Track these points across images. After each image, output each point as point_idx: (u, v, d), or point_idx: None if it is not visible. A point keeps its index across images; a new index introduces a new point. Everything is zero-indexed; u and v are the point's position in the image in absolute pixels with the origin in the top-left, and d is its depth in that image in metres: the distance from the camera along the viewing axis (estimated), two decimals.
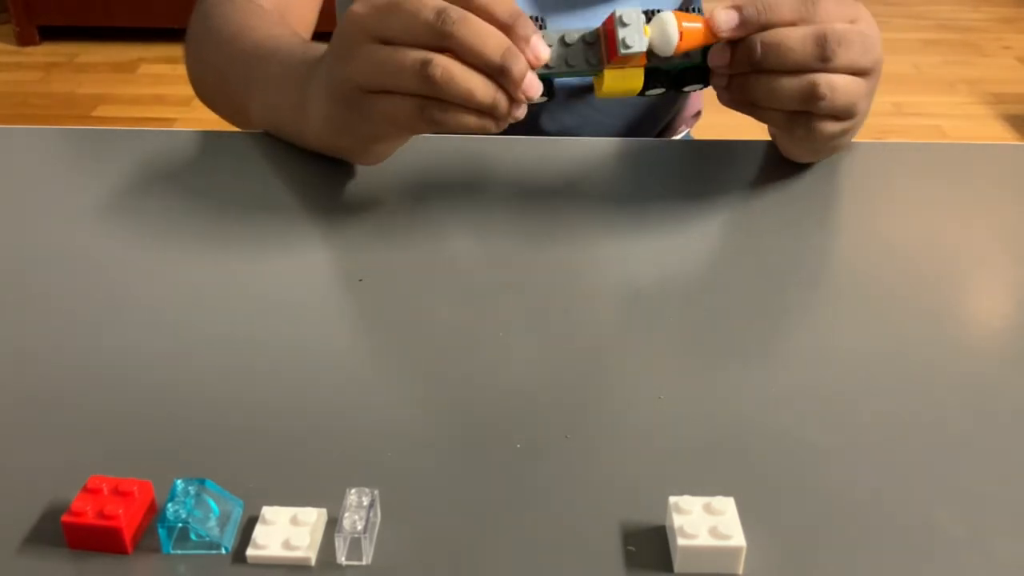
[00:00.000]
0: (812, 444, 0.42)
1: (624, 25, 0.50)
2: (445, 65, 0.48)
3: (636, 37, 0.50)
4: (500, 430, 0.42)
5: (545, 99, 0.53)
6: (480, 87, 0.49)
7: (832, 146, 0.60)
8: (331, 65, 0.54)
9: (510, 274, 0.54)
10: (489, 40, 0.48)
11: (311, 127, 0.59)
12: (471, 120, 0.50)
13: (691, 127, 1.01)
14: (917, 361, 0.48)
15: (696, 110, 1.01)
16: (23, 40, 2.98)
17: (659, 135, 0.95)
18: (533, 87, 0.49)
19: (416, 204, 0.60)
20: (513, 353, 0.47)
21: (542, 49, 0.50)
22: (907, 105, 2.74)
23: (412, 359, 0.47)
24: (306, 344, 0.48)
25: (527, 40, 0.49)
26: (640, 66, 0.54)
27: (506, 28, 0.49)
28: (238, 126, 0.71)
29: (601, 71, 0.53)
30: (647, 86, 0.55)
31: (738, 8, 0.52)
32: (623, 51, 0.51)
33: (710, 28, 0.52)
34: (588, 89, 0.82)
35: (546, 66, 0.51)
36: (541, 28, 0.52)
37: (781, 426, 0.43)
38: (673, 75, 0.56)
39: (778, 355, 0.48)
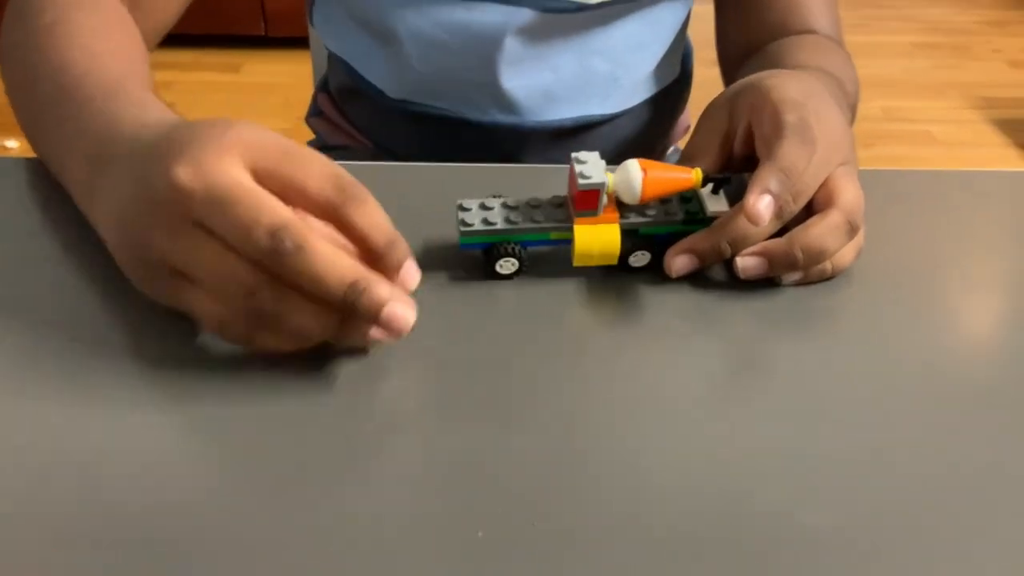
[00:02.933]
0: (813, 530, 0.38)
1: (581, 162, 0.50)
2: (274, 296, 0.40)
3: (594, 170, 0.49)
4: (459, 516, 0.38)
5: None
6: (314, 321, 0.41)
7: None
8: (140, 226, 0.43)
9: (475, 323, 0.49)
10: (331, 273, 0.40)
11: (102, 223, 0.47)
12: (292, 346, 0.43)
13: (680, 140, 0.97)
14: (922, 430, 0.43)
15: (686, 126, 0.97)
16: None
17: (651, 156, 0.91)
18: (395, 318, 0.41)
19: None
20: (477, 415, 0.43)
21: (414, 277, 0.43)
22: (896, 110, 2.71)
23: (361, 434, 0.43)
24: (243, 391, 0.43)
25: (397, 267, 0.43)
26: (613, 221, 0.51)
27: (376, 252, 0.42)
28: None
29: (570, 227, 0.51)
30: (627, 249, 0.52)
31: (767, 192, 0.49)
32: (581, 183, 0.49)
33: (686, 184, 0.51)
34: (572, 130, 0.78)
35: (510, 222, 0.51)
36: (499, 198, 0.52)
37: (778, 508, 0.39)
38: (657, 240, 0.52)
39: (772, 419, 0.44)
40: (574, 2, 0.72)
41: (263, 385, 0.44)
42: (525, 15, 0.72)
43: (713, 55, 0.83)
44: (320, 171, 0.42)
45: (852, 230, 0.51)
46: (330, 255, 0.40)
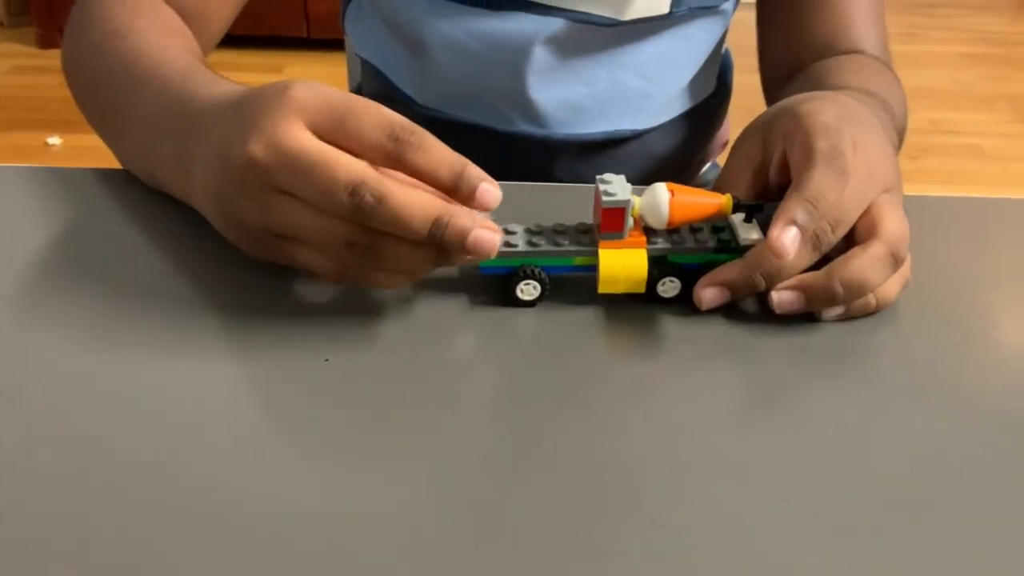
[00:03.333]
0: None
1: (606, 182, 0.48)
2: (370, 243, 0.43)
3: (619, 189, 0.48)
4: (466, 552, 0.36)
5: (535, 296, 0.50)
6: (413, 259, 0.45)
7: None
8: (231, 200, 0.46)
9: (493, 353, 0.47)
10: (414, 216, 0.42)
11: (198, 201, 0.51)
12: (404, 280, 0.48)
13: (719, 155, 0.94)
14: (969, 490, 0.40)
15: (724, 140, 0.94)
16: (44, 43, 2.95)
17: (687, 174, 0.88)
18: (481, 243, 0.43)
19: None
20: (490, 455, 0.41)
21: (491, 196, 0.44)
22: (944, 122, 2.65)
23: (375, 455, 0.41)
24: (253, 429, 0.41)
25: (471, 195, 0.44)
26: (640, 246, 0.49)
27: (447, 188, 0.44)
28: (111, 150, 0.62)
29: (595, 252, 0.49)
30: (654, 277, 0.49)
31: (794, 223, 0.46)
32: (606, 200, 0.47)
33: (716, 210, 0.49)
34: (602, 144, 0.76)
35: (533, 245, 0.49)
36: (523, 224, 0.51)
37: (807, 568, 0.36)
38: (687, 269, 0.50)
39: (804, 469, 0.41)
40: (606, 17, 0.69)
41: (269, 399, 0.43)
42: (556, 25, 0.70)
43: (754, 62, 0.80)
44: (373, 125, 0.43)
45: (896, 262, 0.48)
46: (410, 199, 0.42)
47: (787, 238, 0.45)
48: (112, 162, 0.61)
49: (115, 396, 0.43)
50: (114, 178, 0.60)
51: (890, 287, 0.49)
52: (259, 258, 0.49)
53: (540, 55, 0.71)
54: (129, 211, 0.57)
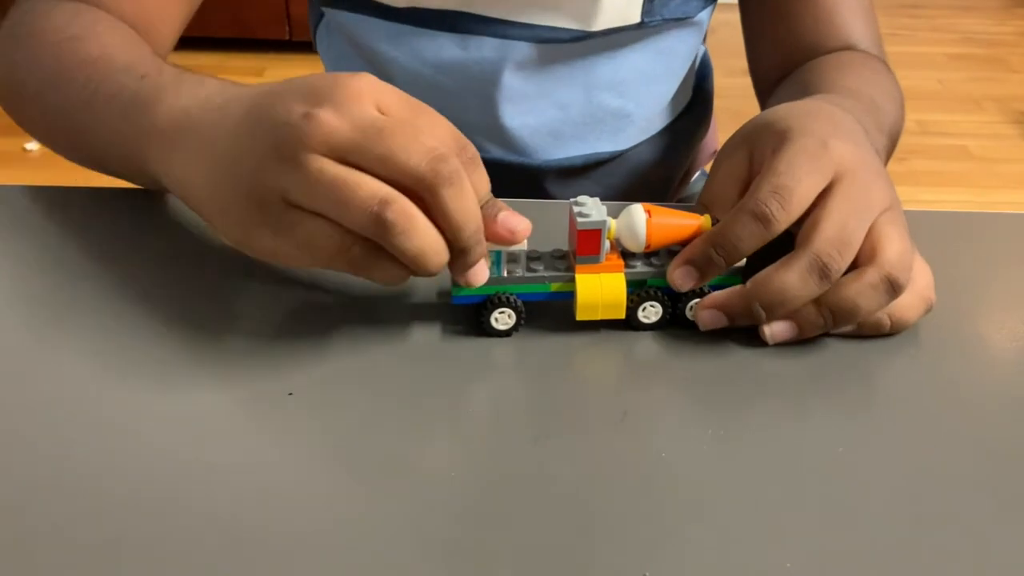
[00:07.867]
0: None
1: (580, 204, 0.46)
2: (405, 212, 0.40)
3: (595, 210, 0.46)
4: None
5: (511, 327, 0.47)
6: (432, 253, 0.42)
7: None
8: (259, 160, 0.42)
9: (467, 387, 0.45)
10: (471, 211, 0.42)
11: (187, 177, 0.47)
12: (399, 274, 0.43)
13: (707, 164, 0.92)
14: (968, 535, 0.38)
15: (712, 149, 0.92)
16: None
17: (673, 187, 0.85)
18: (480, 275, 0.45)
19: (356, 299, 0.50)
20: (465, 496, 0.38)
21: (516, 222, 0.44)
22: (931, 124, 2.63)
23: (344, 493, 0.38)
24: (226, 463, 0.39)
25: (493, 218, 0.44)
26: (618, 270, 0.47)
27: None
28: (72, 158, 0.59)
29: (572, 277, 0.47)
30: (634, 302, 0.47)
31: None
32: (581, 222, 0.45)
33: (695, 231, 0.47)
34: (582, 167, 0.74)
35: (508, 272, 0.47)
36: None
37: None
38: (667, 295, 0.47)
39: (798, 510, 0.38)
40: (574, 29, 0.67)
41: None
42: (521, 49, 0.67)
43: (739, 63, 0.77)
44: (414, 145, 0.41)
45: (893, 288, 0.45)
46: (472, 195, 0.42)
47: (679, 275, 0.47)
48: (85, 173, 0.59)
49: (80, 421, 0.41)
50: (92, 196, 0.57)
51: (908, 309, 0.47)
52: (247, 246, 0.44)
53: (510, 82, 0.68)
54: (95, 233, 0.54)
